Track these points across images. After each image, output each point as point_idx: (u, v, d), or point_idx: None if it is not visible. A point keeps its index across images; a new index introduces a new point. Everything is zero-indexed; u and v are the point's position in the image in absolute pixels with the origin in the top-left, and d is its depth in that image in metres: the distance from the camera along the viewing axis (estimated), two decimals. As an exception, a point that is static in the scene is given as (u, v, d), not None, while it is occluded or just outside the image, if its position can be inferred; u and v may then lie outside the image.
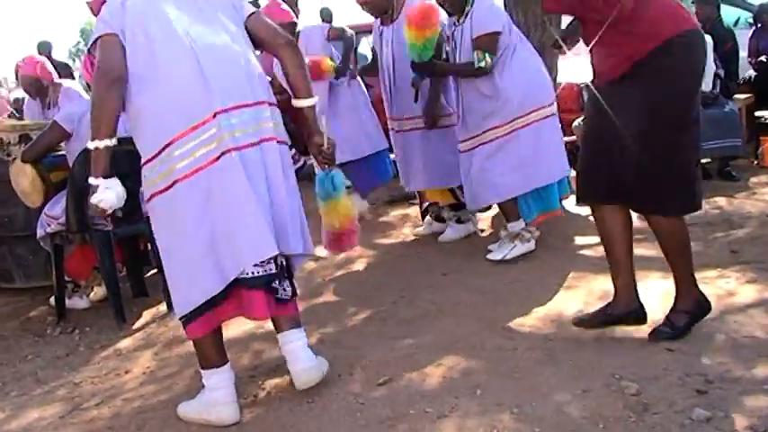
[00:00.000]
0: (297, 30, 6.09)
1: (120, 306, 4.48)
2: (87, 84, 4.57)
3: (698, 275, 3.91)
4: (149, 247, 4.94)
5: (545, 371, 3.02)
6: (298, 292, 3.13)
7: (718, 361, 2.94)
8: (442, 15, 4.72)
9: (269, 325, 3.91)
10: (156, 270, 5.00)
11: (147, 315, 4.62)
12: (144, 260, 5.16)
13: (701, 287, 3.75)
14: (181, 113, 2.83)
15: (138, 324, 4.48)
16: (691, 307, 3.21)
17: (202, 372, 3.04)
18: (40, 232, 4.54)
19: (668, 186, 3.07)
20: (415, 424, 2.73)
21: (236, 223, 2.84)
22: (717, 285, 3.81)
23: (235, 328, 4.05)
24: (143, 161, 2.93)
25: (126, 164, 4.34)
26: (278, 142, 2.98)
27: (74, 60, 12.02)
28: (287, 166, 3.03)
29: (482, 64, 4.43)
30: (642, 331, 3.29)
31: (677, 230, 3.18)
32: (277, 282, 2.96)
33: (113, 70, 2.83)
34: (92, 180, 2.84)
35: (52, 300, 4.81)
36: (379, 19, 5.14)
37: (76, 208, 4.28)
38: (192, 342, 3.08)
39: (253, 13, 3.11)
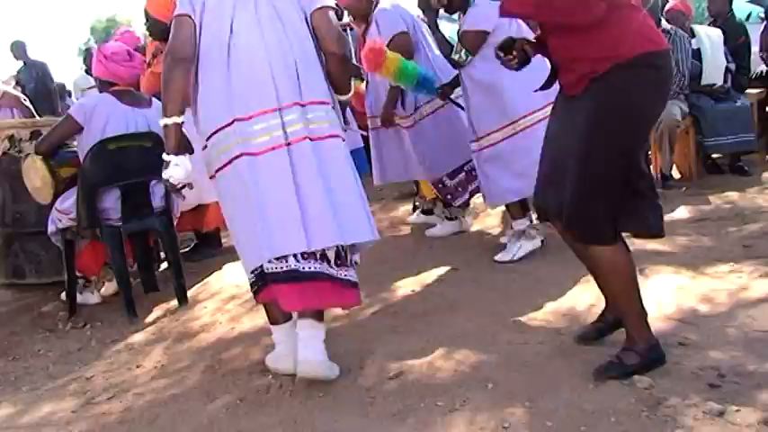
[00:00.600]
0: None
1: (131, 301, 4.49)
2: (101, 80, 4.58)
3: (710, 270, 3.95)
4: (160, 243, 4.96)
5: (557, 365, 3.01)
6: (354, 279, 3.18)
7: (731, 355, 2.93)
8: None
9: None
10: (166, 265, 5.02)
11: (157, 310, 4.62)
12: (154, 256, 5.18)
13: (714, 282, 3.76)
14: (212, 114, 3.02)
15: (149, 319, 4.48)
16: (643, 349, 2.86)
17: (271, 327, 3.31)
18: (51, 228, 4.55)
19: (583, 212, 2.86)
20: (426, 417, 2.73)
21: (239, 225, 3.09)
22: (729, 280, 3.80)
23: (247, 322, 4.08)
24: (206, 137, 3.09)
25: (137, 159, 4.40)
26: (311, 140, 2.99)
27: (84, 58, 11.99)
28: (328, 160, 3.03)
29: (456, 57, 4.46)
30: (654, 326, 3.29)
31: (606, 262, 2.91)
32: (325, 266, 3.03)
33: (179, 50, 2.98)
34: (164, 156, 2.99)
35: (63, 295, 4.82)
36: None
37: (86, 204, 4.29)
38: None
39: (319, 8, 3.11)
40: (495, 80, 4.37)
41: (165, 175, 2.98)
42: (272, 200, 2.93)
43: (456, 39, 4.63)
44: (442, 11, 5.28)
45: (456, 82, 4.79)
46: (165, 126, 2.96)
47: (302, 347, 3.06)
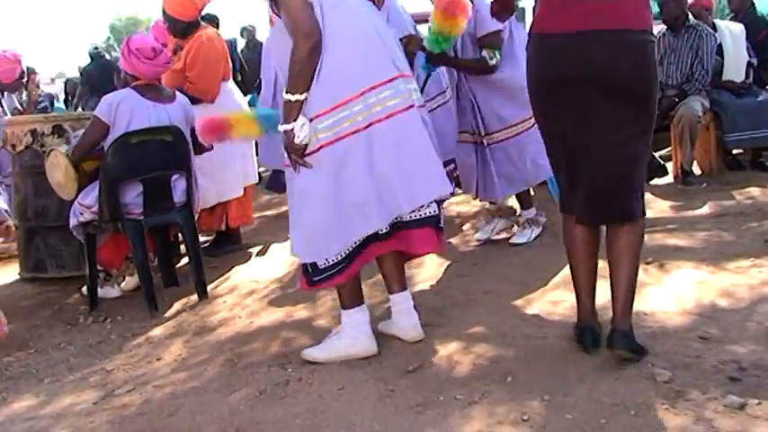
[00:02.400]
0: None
1: (152, 294, 4.50)
2: (127, 74, 4.57)
3: (731, 265, 3.94)
4: (180, 238, 4.98)
5: (576, 359, 3.01)
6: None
7: (752, 348, 2.92)
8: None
9: (298, 314, 3.97)
10: (186, 260, 5.04)
11: (178, 304, 4.63)
12: (175, 250, 5.20)
13: (735, 277, 3.75)
14: (370, 69, 3.10)
15: (169, 313, 4.49)
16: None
17: (344, 312, 3.33)
18: (72, 221, 4.57)
19: None
20: (444, 410, 2.73)
21: (415, 166, 3.15)
22: (750, 275, 3.78)
23: (265, 316, 4.09)
24: (316, 114, 3.07)
25: (158, 153, 4.42)
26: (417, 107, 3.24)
27: (109, 54, 12.20)
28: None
29: (493, 62, 4.48)
30: (674, 320, 3.28)
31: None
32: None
33: (314, 33, 3.00)
34: (284, 126, 3.07)
35: (84, 289, 4.84)
36: None
37: (108, 197, 4.31)
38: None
39: None
40: (514, 76, 4.48)
41: (297, 140, 3.05)
42: (421, 148, 3.17)
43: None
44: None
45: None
46: (294, 101, 3.03)
47: (411, 317, 3.41)
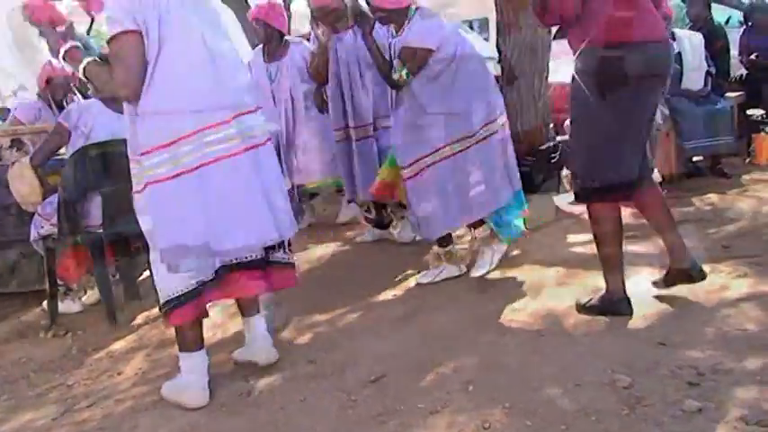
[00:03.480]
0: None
1: (112, 308, 4.47)
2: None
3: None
4: (141, 250, 4.93)
5: (537, 366, 3.02)
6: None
7: (710, 353, 2.94)
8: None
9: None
10: (148, 273, 4.99)
11: (139, 318, 4.60)
12: (136, 263, 5.16)
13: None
14: (202, 111, 2.94)
15: (130, 326, 4.46)
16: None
17: (180, 354, 3.20)
18: (33, 234, 4.53)
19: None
20: (407, 419, 2.73)
21: (241, 212, 3.01)
22: (708, 280, 3.79)
23: (228, 328, 4.07)
24: (146, 150, 2.93)
25: (118, 165, 4.37)
26: (269, 141, 3.20)
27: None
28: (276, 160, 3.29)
29: (395, 76, 4.16)
30: (633, 326, 3.31)
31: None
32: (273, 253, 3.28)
33: (135, 81, 2.88)
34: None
35: (45, 304, 4.79)
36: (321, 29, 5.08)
37: (67, 210, 4.27)
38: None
39: None
40: (442, 102, 4.17)
41: None
42: (250, 194, 3.05)
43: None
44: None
45: None
46: None
47: (266, 340, 3.41)
